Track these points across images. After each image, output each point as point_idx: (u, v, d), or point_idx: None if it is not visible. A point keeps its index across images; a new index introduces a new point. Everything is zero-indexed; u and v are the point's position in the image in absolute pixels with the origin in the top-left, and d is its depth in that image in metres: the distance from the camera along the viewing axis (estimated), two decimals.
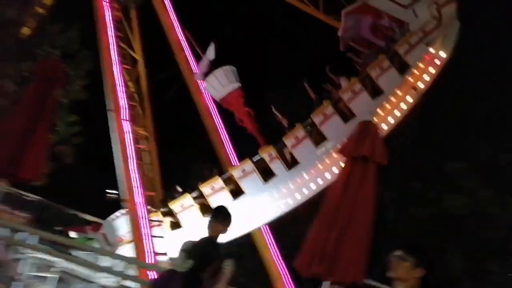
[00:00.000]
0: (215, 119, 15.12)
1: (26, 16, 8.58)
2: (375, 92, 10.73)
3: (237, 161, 14.43)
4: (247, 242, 14.79)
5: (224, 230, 3.70)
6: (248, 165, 10.27)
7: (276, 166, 10.06)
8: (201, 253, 3.19)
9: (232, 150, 15.06)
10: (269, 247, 14.06)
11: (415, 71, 10.49)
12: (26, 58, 8.07)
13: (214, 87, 11.83)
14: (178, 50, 15.51)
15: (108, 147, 10.09)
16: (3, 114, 7.32)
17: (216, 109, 15.38)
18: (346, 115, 9.42)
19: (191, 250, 3.26)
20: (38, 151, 5.67)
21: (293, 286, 13.30)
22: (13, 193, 11.26)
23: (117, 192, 10.52)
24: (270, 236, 13.87)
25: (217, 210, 3.81)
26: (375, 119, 9.96)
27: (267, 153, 9.95)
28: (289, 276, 13.88)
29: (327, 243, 4.46)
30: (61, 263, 10.73)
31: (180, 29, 15.84)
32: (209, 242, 3.36)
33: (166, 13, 15.50)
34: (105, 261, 8.22)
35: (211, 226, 3.64)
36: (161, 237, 8.68)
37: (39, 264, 10.69)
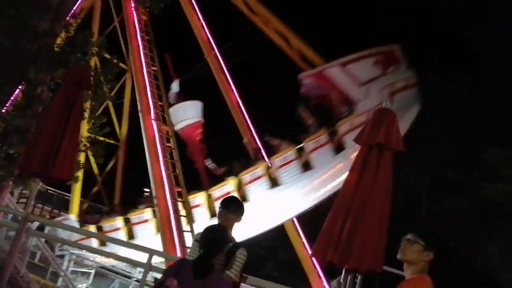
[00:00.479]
0: (245, 116, 15.38)
1: (58, 27, 9.07)
2: (306, 166, 10.75)
3: (266, 157, 14.61)
4: (279, 235, 14.93)
5: (236, 220, 3.79)
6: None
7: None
8: (209, 239, 3.29)
9: (262, 145, 15.22)
10: (301, 240, 14.12)
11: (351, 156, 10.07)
12: (59, 66, 8.55)
13: (176, 118, 12.07)
14: (208, 50, 15.89)
15: (138, 146, 10.59)
16: (39, 119, 7.83)
17: (244, 106, 15.60)
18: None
19: (200, 237, 3.38)
20: (69, 152, 6.03)
21: (326, 279, 13.26)
22: (50, 192, 12.08)
23: (148, 190, 10.99)
24: (301, 229, 13.92)
25: (227, 200, 3.91)
26: None
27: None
28: (322, 269, 13.87)
29: (342, 230, 4.48)
30: (98, 258, 11.40)
31: (207, 29, 16.20)
32: (217, 230, 3.46)
33: (195, 14, 15.92)
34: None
35: (221, 215, 3.74)
36: (190, 231, 9.01)
37: (78, 260, 11.40)
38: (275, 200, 10.50)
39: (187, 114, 12.11)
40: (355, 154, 5.15)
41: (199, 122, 12.26)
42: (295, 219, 13.83)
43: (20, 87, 8.79)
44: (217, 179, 11.18)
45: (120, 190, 15.52)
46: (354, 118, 10.45)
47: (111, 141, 9.06)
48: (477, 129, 15.88)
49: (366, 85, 10.69)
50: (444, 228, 14.15)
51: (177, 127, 11.90)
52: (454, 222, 14.40)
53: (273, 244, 16.92)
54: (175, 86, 12.76)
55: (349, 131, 10.12)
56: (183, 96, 12.88)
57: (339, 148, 10.32)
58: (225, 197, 4.01)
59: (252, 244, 12.28)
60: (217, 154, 12.38)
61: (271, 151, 11.89)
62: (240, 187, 10.74)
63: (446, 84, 17.33)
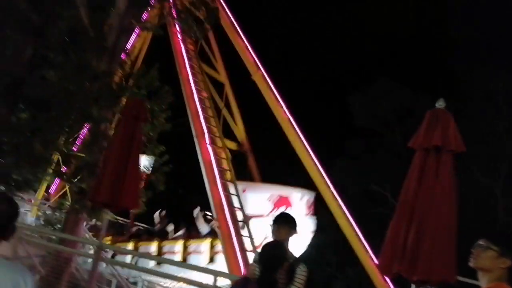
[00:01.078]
0: (296, 130, 15.39)
1: (115, 66, 9.78)
2: None
3: (322, 170, 14.40)
4: (345, 249, 14.52)
5: (290, 233, 3.80)
6: None
7: None
8: (269, 255, 3.33)
9: (316, 158, 15.10)
10: (368, 253, 13.62)
11: None
12: (118, 102, 9.18)
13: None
14: (254, 70, 16.25)
15: (196, 171, 10.94)
16: (104, 154, 8.40)
17: (295, 121, 15.66)
18: None
19: (260, 255, 3.43)
20: (132, 182, 6.39)
21: None
22: (118, 221, 12.79)
23: (210, 214, 11.26)
24: (366, 242, 13.44)
25: (280, 216, 3.94)
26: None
27: None
28: (394, 283, 13.23)
29: (406, 240, 4.28)
30: (168, 283, 11.78)
31: (252, 50, 16.60)
32: (276, 245, 3.49)
33: (238, 37, 16.41)
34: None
35: (275, 231, 3.77)
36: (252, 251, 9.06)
37: (150, 285, 11.86)
38: None
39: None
40: None
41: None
42: (358, 232, 13.43)
43: (86, 125, 9.53)
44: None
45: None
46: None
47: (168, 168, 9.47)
48: None
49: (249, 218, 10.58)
50: None
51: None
52: None
53: (341, 260, 16.48)
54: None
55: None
56: None
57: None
58: (279, 213, 4.02)
59: (317, 259, 12.06)
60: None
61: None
62: None
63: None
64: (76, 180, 8.58)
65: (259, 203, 10.99)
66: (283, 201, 11.46)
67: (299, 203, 11.67)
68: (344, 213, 13.24)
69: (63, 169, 8.87)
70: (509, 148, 16.34)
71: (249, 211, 10.48)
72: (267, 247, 3.42)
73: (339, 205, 13.34)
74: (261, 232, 9.65)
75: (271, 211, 10.95)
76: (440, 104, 5.19)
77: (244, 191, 10.91)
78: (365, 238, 13.55)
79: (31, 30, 9.63)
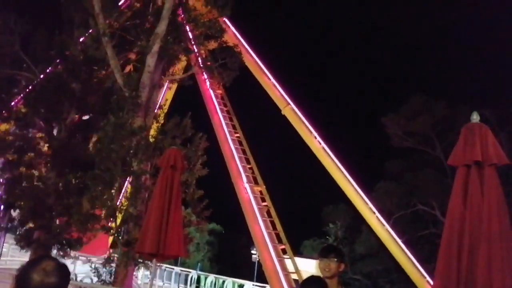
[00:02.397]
0: (333, 159, 15.25)
1: (150, 120, 10.28)
2: None
3: (363, 195, 14.06)
4: (400, 277, 13.83)
5: (339, 268, 3.65)
6: None
7: None
8: None
9: (357, 183, 14.79)
10: (425, 279, 12.92)
11: None
12: (156, 154, 9.56)
13: None
14: (283, 104, 16.50)
15: (238, 211, 11.03)
16: (147, 205, 8.69)
17: (331, 149, 15.56)
18: None
19: None
20: (175, 230, 6.55)
21: None
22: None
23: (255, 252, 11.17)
24: (422, 267, 12.79)
25: (327, 248, 3.83)
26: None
27: None
28: None
29: (460, 261, 4.09)
30: None
31: (280, 87, 16.96)
32: (319, 282, 3.35)
33: (265, 75, 16.86)
34: None
35: (322, 265, 3.64)
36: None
37: None
38: None
39: None
40: None
41: None
42: (411, 256, 12.84)
43: (128, 179, 9.94)
44: None
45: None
46: None
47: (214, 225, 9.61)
48: None
49: None
50: None
51: None
52: None
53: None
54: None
55: None
56: None
57: None
58: (324, 245, 3.95)
59: None
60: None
61: None
62: None
63: None
64: (122, 232, 8.86)
65: None
66: None
67: None
68: (393, 237, 12.76)
69: (110, 223, 9.22)
70: None
71: None
72: (306, 283, 3.28)
73: (387, 230, 12.90)
74: None
75: None
76: (475, 118, 5.07)
77: None
78: (420, 262, 12.90)
79: (73, 96, 10.40)
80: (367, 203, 13.49)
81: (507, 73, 18.55)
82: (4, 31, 10.83)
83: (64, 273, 2.00)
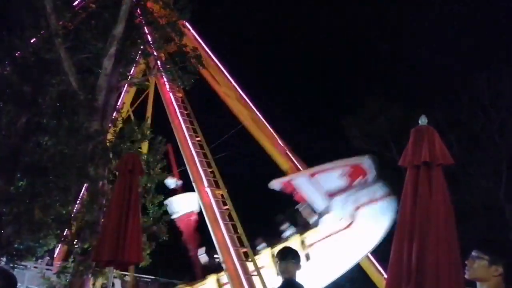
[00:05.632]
0: (294, 162, 15.44)
1: (107, 124, 10.00)
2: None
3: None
4: (359, 277, 14.22)
5: (297, 268, 3.81)
6: None
7: None
8: None
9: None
10: (384, 276, 13.36)
11: None
12: (113, 158, 9.31)
13: (174, 208, 12.66)
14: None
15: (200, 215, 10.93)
16: (104, 211, 8.44)
17: (291, 152, 15.75)
18: None
19: None
20: (134, 236, 6.39)
21: None
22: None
23: (217, 256, 11.13)
24: (381, 266, 13.21)
25: (284, 252, 3.95)
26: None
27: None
28: None
29: (410, 261, 4.29)
30: None
31: (241, 90, 16.95)
32: (292, 284, 3.51)
33: (225, 77, 16.82)
34: None
35: (283, 268, 3.78)
36: None
37: None
38: None
39: (181, 205, 12.88)
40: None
41: (192, 213, 12.94)
42: (371, 257, 13.23)
43: (84, 185, 9.61)
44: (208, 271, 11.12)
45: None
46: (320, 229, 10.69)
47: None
48: None
49: (331, 198, 10.90)
50: None
51: (173, 216, 12.61)
52: None
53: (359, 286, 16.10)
54: (171, 183, 13.61)
55: (316, 242, 10.24)
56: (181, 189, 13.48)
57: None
58: (280, 249, 4.04)
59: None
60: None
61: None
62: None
63: None
64: (77, 241, 8.55)
65: (334, 181, 11.04)
66: (357, 170, 11.42)
67: (371, 169, 11.62)
68: None
69: (64, 232, 8.87)
70: (505, 150, 16.42)
71: (326, 190, 10.60)
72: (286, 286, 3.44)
73: None
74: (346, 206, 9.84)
75: (350, 185, 10.99)
76: (423, 120, 5.36)
77: (313, 175, 11.01)
78: (378, 261, 13.33)
79: (24, 99, 9.92)
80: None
81: (459, 78, 19.63)
82: None
83: (11, 278, 2.00)
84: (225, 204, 10.83)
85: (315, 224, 11.00)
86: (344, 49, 25.63)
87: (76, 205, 10.38)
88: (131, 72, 12.41)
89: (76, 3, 13.39)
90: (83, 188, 10.29)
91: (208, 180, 11.17)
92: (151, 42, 11.08)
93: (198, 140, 12.55)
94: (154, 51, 11.05)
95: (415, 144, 4.95)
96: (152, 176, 9.18)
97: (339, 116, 24.99)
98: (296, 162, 14.71)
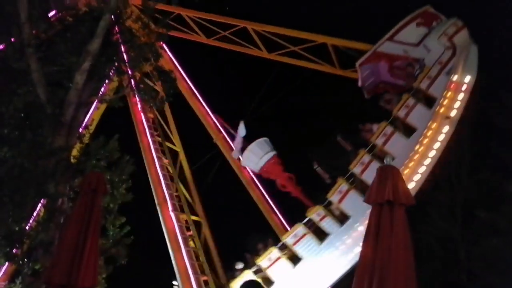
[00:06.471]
0: (261, 190, 15.49)
1: (73, 140, 9.71)
2: (408, 131, 10.66)
3: (288, 227, 14.43)
4: None
5: None
6: (299, 229, 10.26)
7: (328, 224, 9.97)
8: None
9: (282, 217, 15.12)
10: None
11: (444, 102, 10.40)
12: (77, 176, 9.01)
13: (252, 160, 12.42)
14: (216, 133, 16.54)
15: (160, 240, 10.65)
16: (61, 231, 8.07)
17: (259, 181, 15.80)
18: (382, 159, 9.34)
19: None
20: (91, 259, 6.12)
21: None
22: None
23: (176, 283, 10.81)
24: None
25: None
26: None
27: (315, 213, 9.95)
28: None
29: None
30: None
31: (213, 114, 17.00)
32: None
33: (198, 103, 16.84)
34: None
35: None
36: None
37: None
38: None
39: (260, 152, 12.17)
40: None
41: (273, 156, 12.30)
42: None
43: (41, 202, 9.18)
44: (327, 186, 10.63)
45: None
46: (428, 72, 10.66)
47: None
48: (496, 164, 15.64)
49: (422, 43, 11.13)
50: (487, 269, 13.37)
51: (256, 169, 12.15)
52: (496, 263, 13.66)
53: None
54: (242, 130, 12.69)
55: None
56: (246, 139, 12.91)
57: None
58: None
59: None
60: None
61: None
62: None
63: None
64: (29, 261, 8.09)
65: (415, 32, 11.21)
66: (428, 16, 11.53)
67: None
68: None
69: (15, 250, 8.37)
70: (462, 192, 17.15)
71: None
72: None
73: None
74: None
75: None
76: (388, 160, 5.58)
77: (392, 37, 11.20)
78: None
79: None
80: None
81: None
82: None
83: None
84: (188, 229, 10.63)
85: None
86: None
87: (30, 222, 9.87)
88: (103, 89, 12.22)
89: (52, 14, 13.21)
90: (39, 205, 9.83)
91: (173, 204, 10.97)
92: (126, 60, 11.02)
93: (166, 163, 12.39)
94: (128, 70, 10.97)
95: (380, 183, 5.13)
96: (116, 197, 8.91)
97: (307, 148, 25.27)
98: (263, 191, 14.73)
